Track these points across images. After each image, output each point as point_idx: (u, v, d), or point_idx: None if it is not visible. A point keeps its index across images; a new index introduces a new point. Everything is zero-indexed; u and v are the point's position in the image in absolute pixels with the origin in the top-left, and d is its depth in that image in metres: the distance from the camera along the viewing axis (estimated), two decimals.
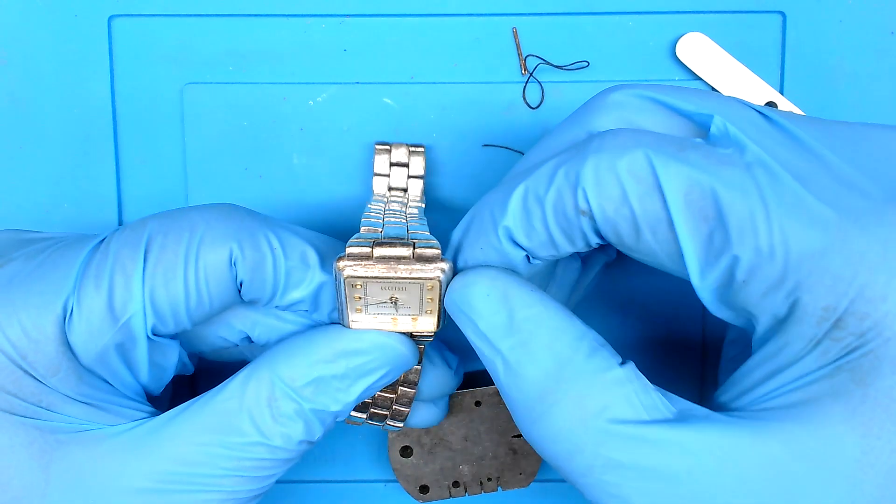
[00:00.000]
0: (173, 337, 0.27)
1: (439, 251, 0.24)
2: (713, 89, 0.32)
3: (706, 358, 0.33)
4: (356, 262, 0.24)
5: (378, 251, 0.24)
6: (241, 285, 0.25)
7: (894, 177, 0.22)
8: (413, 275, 0.24)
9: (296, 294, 0.26)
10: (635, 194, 0.21)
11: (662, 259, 0.22)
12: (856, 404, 0.20)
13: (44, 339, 0.24)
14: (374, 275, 0.24)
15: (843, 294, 0.20)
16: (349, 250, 0.24)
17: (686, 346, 0.33)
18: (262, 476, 0.25)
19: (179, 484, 0.24)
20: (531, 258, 0.24)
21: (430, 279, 0.24)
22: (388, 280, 0.24)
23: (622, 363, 0.23)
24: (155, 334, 0.25)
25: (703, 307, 0.31)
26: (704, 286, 0.22)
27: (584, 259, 0.29)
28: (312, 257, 0.26)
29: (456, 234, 0.25)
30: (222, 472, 0.24)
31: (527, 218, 0.23)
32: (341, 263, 0.24)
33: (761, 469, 0.21)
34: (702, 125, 0.23)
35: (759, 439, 0.21)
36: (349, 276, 0.24)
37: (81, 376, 0.25)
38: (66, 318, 0.24)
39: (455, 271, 0.25)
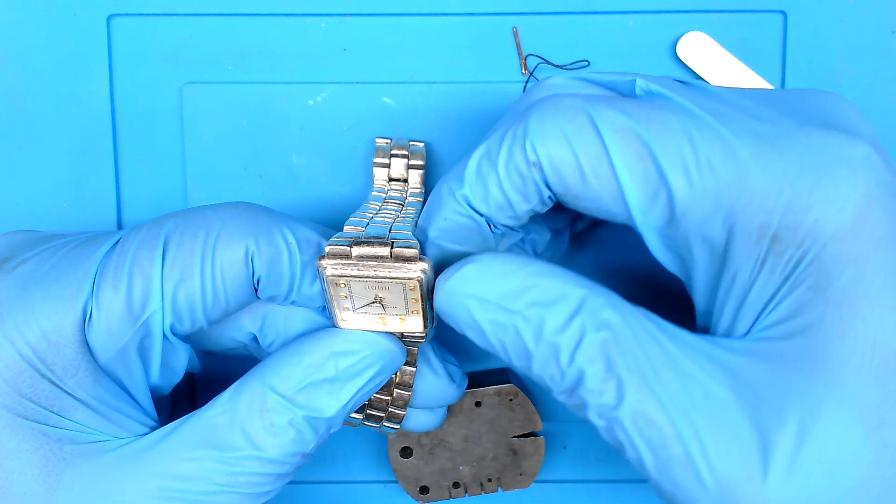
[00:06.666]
0: (186, 339, 0.27)
1: (418, 251, 0.24)
2: None
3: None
4: (337, 261, 0.24)
5: (356, 250, 0.24)
6: (258, 282, 0.25)
7: (805, 113, 0.24)
8: (392, 274, 0.24)
9: (312, 288, 0.26)
10: (576, 139, 0.23)
11: (607, 203, 0.23)
12: (822, 310, 0.22)
13: (63, 342, 0.24)
14: (354, 274, 0.24)
15: (773, 209, 0.22)
16: (328, 249, 0.24)
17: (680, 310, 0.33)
18: (256, 493, 0.25)
19: (174, 501, 0.24)
20: (492, 227, 0.25)
21: (410, 279, 0.24)
22: (370, 279, 0.24)
23: None
24: (171, 333, 0.25)
25: None
26: (647, 224, 0.23)
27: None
28: None
29: (422, 216, 0.26)
30: (216, 487, 0.24)
31: (482, 183, 0.24)
32: (323, 262, 0.24)
33: (766, 381, 0.22)
34: (628, 94, 0.25)
35: (763, 365, 0.23)
36: (331, 275, 0.24)
37: (98, 378, 0.25)
38: (85, 319, 0.24)
39: (435, 270, 0.25)
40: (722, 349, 0.23)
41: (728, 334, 0.24)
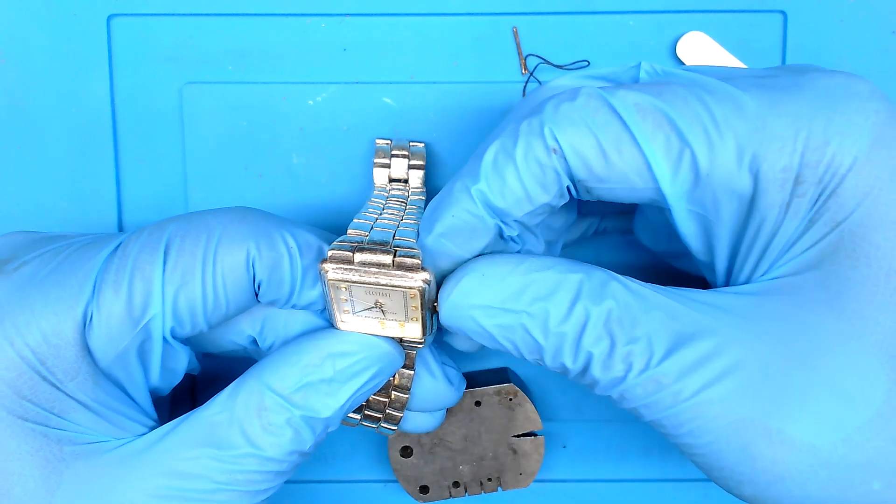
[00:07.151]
0: (185, 342, 0.27)
1: (420, 260, 0.24)
2: None
3: None
4: (339, 265, 0.24)
5: (358, 257, 0.24)
6: (258, 287, 0.25)
7: (799, 69, 0.25)
8: (393, 283, 0.24)
9: (312, 292, 0.26)
10: (594, 120, 0.23)
11: (633, 178, 0.23)
12: (836, 241, 0.22)
13: (64, 345, 0.24)
14: (356, 279, 0.24)
15: (793, 151, 0.22)
16: (331, 253, 0.24)
17: None
18: (254, 490, 0.25)
19: (174, 499, 0.24)
20: (504, 225, 0.25)
21: (412, 288, 0.24)
22: (371, 285, 0.24)
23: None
24: (171, 336, 0.25)
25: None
26: (675, 191, 0.23)
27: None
28: None
29: (427, 212, 0.26)
30: (215, 485, 0.24)
31: (500, 177, 0.24)
32: (325, 266, 0.24)
33: (786, 322, 0.23)
34: (632, 82, 0.26)
35: (773, 301, 0.23)
36: (332, 279, 0.24)
37: (98, 381, 0.25)
38: (85, 322, 0.24)
39: (436, 278, 0.25)
40: (729, 295, 0.24)
41: (747, 282, 0.24)
